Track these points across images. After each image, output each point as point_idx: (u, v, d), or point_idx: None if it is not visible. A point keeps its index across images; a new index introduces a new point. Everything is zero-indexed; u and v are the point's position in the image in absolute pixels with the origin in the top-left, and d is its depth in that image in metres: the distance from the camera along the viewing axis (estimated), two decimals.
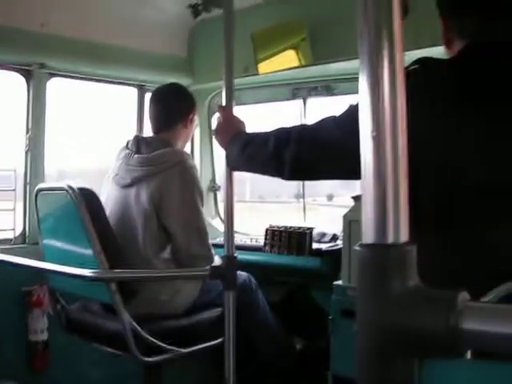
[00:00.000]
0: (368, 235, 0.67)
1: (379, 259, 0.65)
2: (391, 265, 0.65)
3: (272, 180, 1.80)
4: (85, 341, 2.67)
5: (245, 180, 4.00)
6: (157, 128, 2.82)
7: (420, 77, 1.37)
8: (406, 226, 0.67)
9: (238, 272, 2.15)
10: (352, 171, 1.45)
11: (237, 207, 2.11)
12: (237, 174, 2.07)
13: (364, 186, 0.68)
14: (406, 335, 0.65)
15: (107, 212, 2.60)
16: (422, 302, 0.65)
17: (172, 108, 2.80)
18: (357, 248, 0.68)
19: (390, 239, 0.65)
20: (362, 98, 0.70)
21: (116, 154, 2.82)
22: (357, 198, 2.49)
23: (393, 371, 0.67)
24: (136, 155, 2.68)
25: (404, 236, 0.67)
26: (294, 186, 3.55)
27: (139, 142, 2.73)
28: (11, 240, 3.05)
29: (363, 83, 0.70)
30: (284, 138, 1.66)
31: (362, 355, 0.70)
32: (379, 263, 0.65)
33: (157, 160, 2.62)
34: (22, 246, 3.05)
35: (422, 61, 1.43)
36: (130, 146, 2.75)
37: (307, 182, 3.39)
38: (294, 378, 3.09)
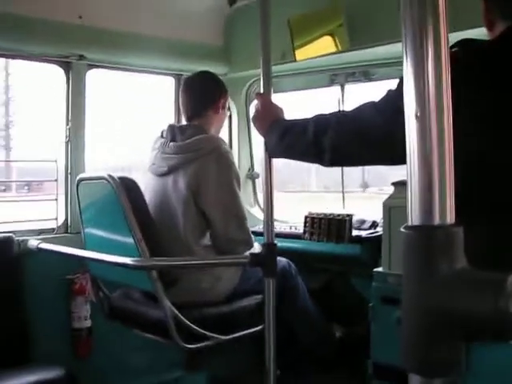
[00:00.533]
0: (414, 217, 0.66)
1: (426, 241, 0.65)
2: (438, 246, 0.64)
3: (337, 170, 1.80)
4: (127, 328, 2.71)
5: (310, 169, 4.01)
6: (189, 116, 2.84)
7: (459, 59, 1.34)
8: (453, 207, 0.67)
9: (278, 258, 2.16)
10: (393, 157, 1.44)
11: (300, 197, 2.10)
12: (301, 164, 2.05)
13: (410, 167, 0.67)
14: (453, 318, 0.64)
15: (147, 201, 2.63)
16: (469, 285, 0.64)
17: (201, 95, 2.82)
18: (402, 230, 0.67)
19: (437, 220, 0.65)
20: (406, 79, 0.70)
21: (151, 144, 2.86)
22: (397, 184, 2.46)
23: (439, 355, 0.66)
24: (171, 143, 2.71)
25: (451, 217, 0.66)
26: (359, 175, 3.55)
27: (174, 131, 2.76)
28: (54, 229, 3.10)
29: (407, 64, 0.69)
30: (323, 124, 1.66)
31: (408, 339, 0.69)
32: (426, 245, 0.65)
33: (192, 147, 2.64)
34: (64, 235, 3.10)
35: (462, 42, 1.40)
36: (164, 134, 2.79)
37: (375, 172, 3.39)
38: (334, 365, 3.09)
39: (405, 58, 0.69)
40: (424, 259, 0.65)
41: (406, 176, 0.70)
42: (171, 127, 2.79)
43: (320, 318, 3.01)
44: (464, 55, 1.36)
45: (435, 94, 0.67)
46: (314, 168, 3.85)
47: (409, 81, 0.69)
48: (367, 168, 2.88)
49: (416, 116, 0.67)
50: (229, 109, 2.97)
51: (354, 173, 3.35)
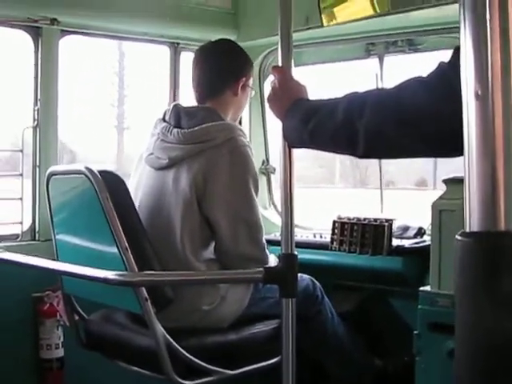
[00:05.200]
0: (473, 221, 0.66)
1: (488, 250, 0.65)
2: (504, 257, 0.64)
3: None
4: (108, 359, 2.71)
5: None
6: (200, 96, 2.84)
7: None
8: None
9: (299, 275, 2.15)
10: (446, 146, 1.44)
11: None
12: None
13: (467, 158, 0.68)
14: None
15: (138, 200, 2.65)
16: None
17: (218, 70, 2.81)
18: (458, 238, 0.68)
19: (502, 226, 0.65)
20: (463, 49, 0.70)
21: (151, 128, 2.84)
22: (449, 182, 2.46)
23: None
24: (175, 130, 2.69)
25: None
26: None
27: (179, 113, 2.74)
28: (18, 236, 3.12)
29: (465, 30, 0.69)
30: (357, 105, 1.67)
31: (464, 376, 0.69)
32: (488, 255, 0.65)
33: (201, 136, 2.63)
34: (31, 242, 3.13)
35: None
36: (167, 117, 2.77)
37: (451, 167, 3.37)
38: None
39: (462, 22, 0.69)
40: (486, 273, 0.65)
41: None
42: (176, 108, 2.77)
43: (357, 350, 3.00)
44: None
45: (500, 67, 0.67)
46: None
47: (467, 51, 0.69)
48: None
49: (476, 95, 0.67)
50: (253, 88, 2.95)
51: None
